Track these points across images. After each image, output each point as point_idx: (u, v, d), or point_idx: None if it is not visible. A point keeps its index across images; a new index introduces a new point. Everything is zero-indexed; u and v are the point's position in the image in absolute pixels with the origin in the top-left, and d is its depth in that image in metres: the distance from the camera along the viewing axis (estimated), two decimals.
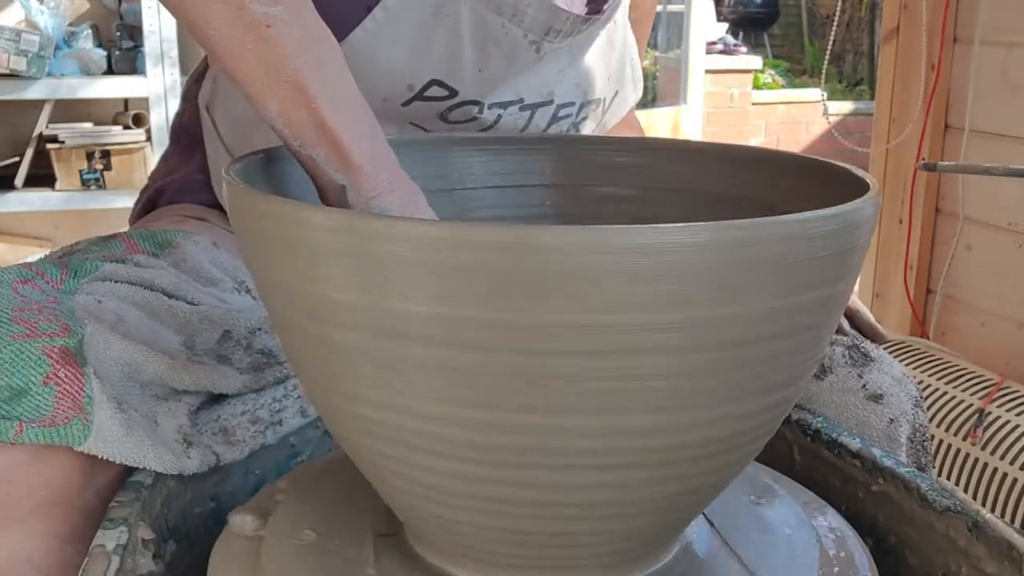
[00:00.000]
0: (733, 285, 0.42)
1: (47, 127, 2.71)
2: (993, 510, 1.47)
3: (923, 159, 1.87)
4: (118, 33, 2.77)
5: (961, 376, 1.70)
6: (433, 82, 0.80)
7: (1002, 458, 1.55)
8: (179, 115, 0.99)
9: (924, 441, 0.77)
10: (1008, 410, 1.60)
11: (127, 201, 2.46)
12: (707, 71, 4.50)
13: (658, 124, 3.42)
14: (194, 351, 0.69)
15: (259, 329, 0.73)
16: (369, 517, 0.59)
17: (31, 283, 0.67)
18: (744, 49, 5.95)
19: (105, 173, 2.72)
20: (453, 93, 0.81)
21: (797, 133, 5.52)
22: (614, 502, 0.48)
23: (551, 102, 0.87)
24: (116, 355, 0.63)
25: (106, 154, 2.72)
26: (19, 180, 2.67)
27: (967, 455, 1.60)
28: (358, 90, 0.63)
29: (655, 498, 0.49)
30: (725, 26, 6.25)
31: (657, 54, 4.96)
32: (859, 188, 0.52)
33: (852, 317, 0.89)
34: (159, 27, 2.65)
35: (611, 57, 0.93)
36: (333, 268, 0.45)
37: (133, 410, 0.62)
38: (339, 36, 0.68)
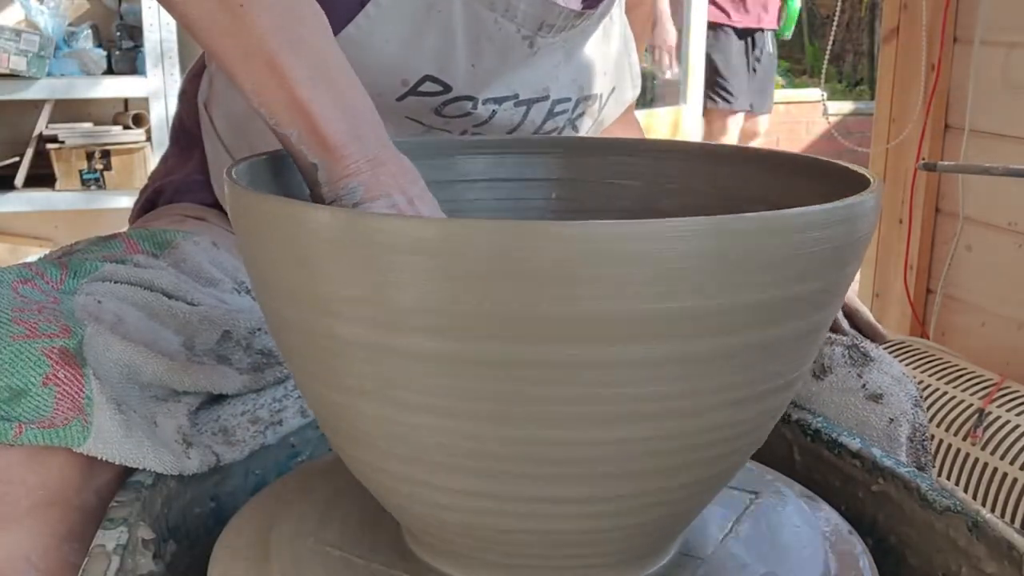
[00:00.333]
0: (734, 280, 0.42)
1: (47, 127, 2.71)
2: (993, 510, 1.47)
3: (923, 159, 1.87)
4: (118, 33, 2.77)
5: (961, 376, 1.70)
6: (427, 77, 0.80)
7: (1002, 458, 1.55)
8: (177, 115, 0.99)
9: (924, 441, 0.77)
10: (1008, 410, 1.59)
11: (127, 201, 2.46)
12: None
13: (658, 124, 3.41)
14: (194, 351, 0.69)
15: (259, 329, 0.73)
16: (370, 520, 0.59)
17: (31, 283, 0.67)
18: None
19: (105, 173, 2.72)
20: (447, 88, 0.81)
21: (797, 133, 5.52)
22: (614, 502, 0.48)
23: (547, 98, 0.87)
24: (116, 356, 0.63)
25: (106, 154, 2.72)
26: (19, 180, 2.67)
27: (967, 455, 1.60)
28: (347, 68, 0.62)
29: (655, 497, 0.49)
30: None
31: None
32: (859, 185, 0.52)
33: (852, 317, 0.89)
34: (159, 27, 2.65)
35: (608, 53, 0.93)
36: (332, 268, 0.44)
37: (132, 411, 0.62)
38: (332, 32, 0.68)
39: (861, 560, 0.56)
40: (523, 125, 0.87)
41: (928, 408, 1.66)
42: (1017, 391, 1.63)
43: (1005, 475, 1.54)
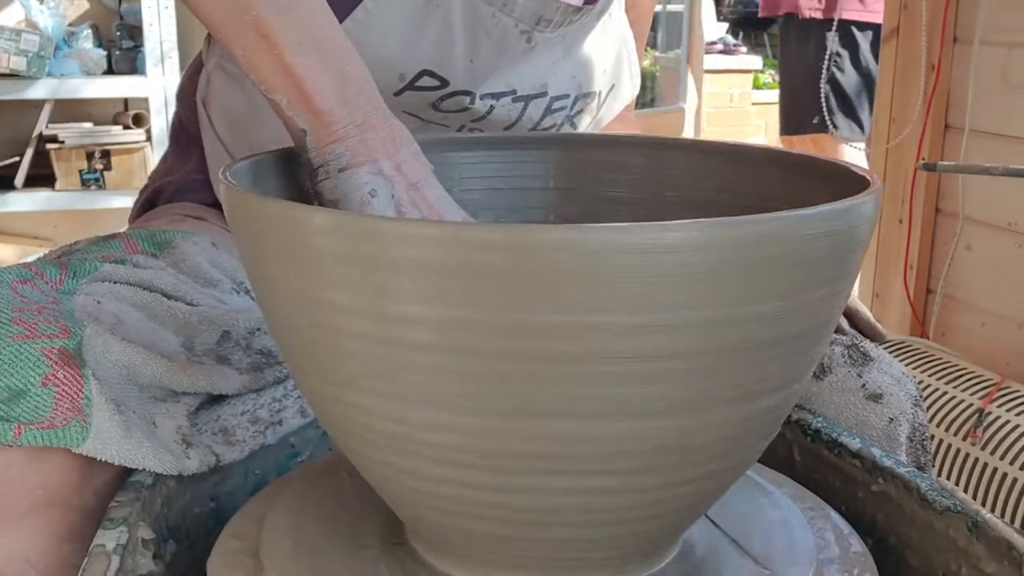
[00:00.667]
0: (735, 282, 0.42)
1: (47, 127, 2.71)
2: (993, 510, 1.47)
3: (923, 159, 1.87)
4: (118, 33, 2.77)
5: (961, 376, 1.70)
6: (424, 72, 0.80)
7: (1002, 458, 1.54)
8: (176, 114, 0.99)
9: (924, 440, 0.77)
10: (1008, 410, 1.59)
11: (127, 201, 2.46)
12: (707, 71, 4.50)
13: (658, 124, 3.42)
14: (193, 352, 0.69)
15: (258, 329, 0.73)
16: (370, 519, 0.59)
17: (30, 283, 0.67)
18: (744, 49, 5.94)
19: (105, 173, 2.73)
20: (444, 83, 0.81)
21: None
22: (616, 505, 0.48)
23: (545, 94, 0.87)
24: (115, 357, 0.63)
25: (106, 154, 2.72)
26: (19, 180, 2.68)
27: (967, 455, 1.59)
28: (338, 33, 0.62)
29: (658, 500, 0.49)
30: (725, 26, 6.25)
31: (657, 54, 4.95)
32: (860, 186, 0.52)
33: (852, 316, 0.89)
34: (159, 27, 2.65)
35: (607, 50, 0.93)
36: (330, 269, 0.44)
37: (131, 412, 0.62)
38: None
39: (861, 560, 0.56)
40: (521, 121, 0.87)
41: (928, 408, 1.66)
42: (1017, 391, 1.63)
43: (1005, 475, 1.54)
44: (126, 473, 0.61)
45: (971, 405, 1.63)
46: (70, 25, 2.75)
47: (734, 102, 5.49)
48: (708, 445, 0.47)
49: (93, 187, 2.72)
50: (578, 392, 0.43)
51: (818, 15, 2.82)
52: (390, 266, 0.43)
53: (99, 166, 2.71)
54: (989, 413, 1.60)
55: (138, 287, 0.71)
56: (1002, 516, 1.29)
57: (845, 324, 0.87)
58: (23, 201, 2.69)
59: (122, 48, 2.74)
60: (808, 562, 0.55)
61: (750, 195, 0.65)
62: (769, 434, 0.51)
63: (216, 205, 0.90)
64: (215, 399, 0.69)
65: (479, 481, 0.47)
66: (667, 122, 3.48)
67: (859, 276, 0.52)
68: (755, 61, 5.74)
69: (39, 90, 2.61)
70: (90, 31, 2.72)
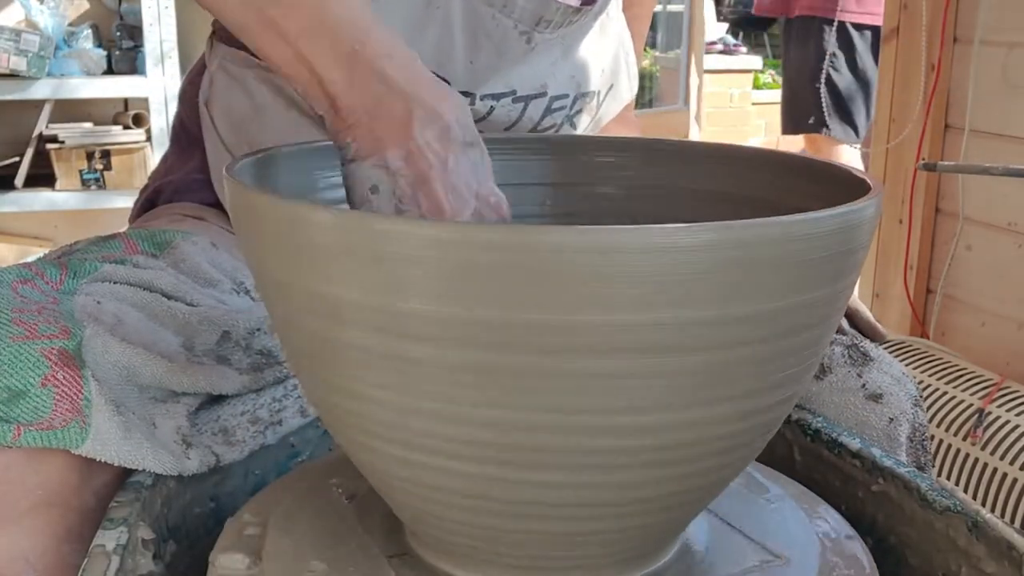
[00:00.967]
0: (735, 285, 0.42)
1: (47, 127, 2.71)
2: (993, 510, 1.47)
3: (923, 159, 1.87)
4: (118, 33, 2.77)
5: (961, 376, 1.70)
6: None
7: (1002, 458, 1.54)
8: (177, 115, 0.99)
9: (924, 440, 0.77)
10: (1008, 410, 1.59)
11: (127, 201, 2.45)
12: (707, 71, 4.50)
13: (658, 124, 3.42)
14: (193, 352, 0.70)
15: (258, 330, 0.73)
16: (370, 519, 0.59)
17: (30, 283, 0.67)
18: (744, 49, 5.94)
19: (105, 173, 2.73)
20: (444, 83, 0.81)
21: None
22: (619, 501, 0.48)
23: (544, 95, 0.87)
24: (115, 358, 0.63)
25: (106, 154, 2.72)
26: (19, 180, 2.67)
27: (967, 455, 1.59)
28: (349, 8, 0.61)
29: (659, 497, 0.49)
30: (725, 26, 6.24)
31: (657, 54, 4.96)
32: (860, 188, 0.52)
33: (851, 316, 0.89)
34: (159, 27, 2.65)
35: (605, 50, 0.93)
36: (336, 268, 0.44)
37: (131, 412, 0.62)
38: None
39: (861, 560, 0.56)
40: (521, 121, 0.87)
41: (928, 408, 1.66)
42: (1017, 391, 1.63)
43: (1005, 475, 1.53)
44: (126, 473, 0.61)
45: (971, 405, 1.63)
46: (70, 25, 2.74)
47: (734, 102, 5.49)
48: (707, 444, 0.47)
49: (93, 187, 2.72)
50: (578, 390, 0.43)
51: (818, 14, 2.81)
52: (391, 265, 0.43)
53: (99, 166, 2.71)
54: (989, 413, 1.60)
55: (138, 287, 0.71)
56: (1002, 516, 1.29)
57: (845, 324, 0.87)
58: (23, 201, 2.69)
59: (122, 48, 2.74)
60: (813, 554, 0.55)
61: (748, 196, 0.65)
62: (767, 434, 0.51)
63: (216, 205, 0.90)
64: (215, 399, 0.69)
65: (480, 479, 0.47)
66: (667, 122, 3.48)
67: (859, 276, 0.52)
68: (755, 61, 5.73)
69: (39, 90, 2.61)
70: (90, 31, 2.72)
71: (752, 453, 0.52)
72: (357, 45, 0.60)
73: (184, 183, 0.93)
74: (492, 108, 0.84)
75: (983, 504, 1.32)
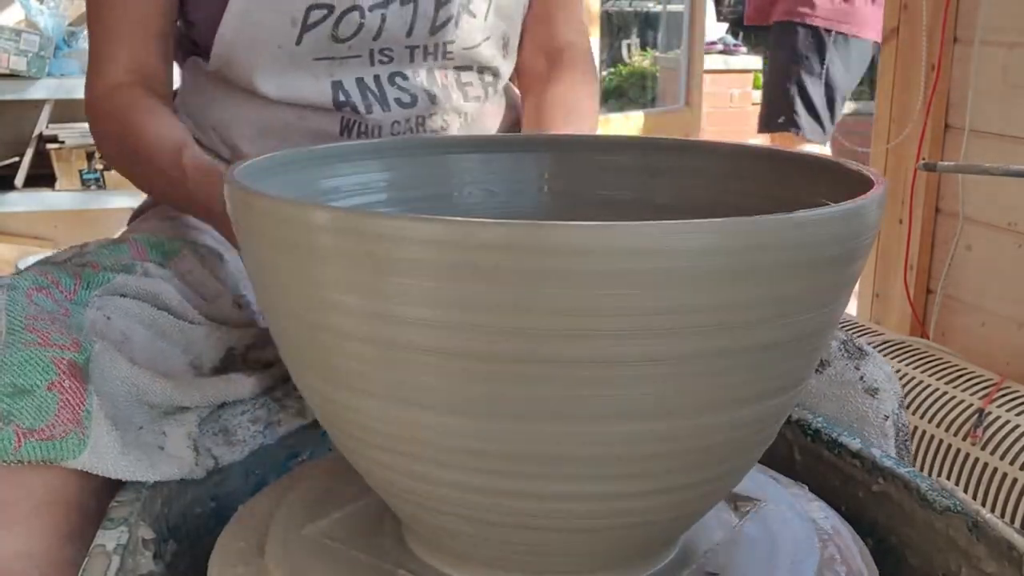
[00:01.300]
0: (733, 284, 0.42)
1: (47, 127, 2.71)
2: (993, 510, 1.47)
3: (923, 159, 1.87)
4: None
5: (961, 376, 1.70)
6: (311, 7, 0.82)
7: (1002, 458, 1.54)
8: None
9: (906, 440, 0.78)
10: (1008, 410, 1.59)
11: (127, 201, 2.46)
12: (707, 71, 4.49)
13: (658, 124, 3.41)
14: (201, 371, 0.72)
15: (255, 344, 0.76)
16: (369, 519, 0.59)
17: (45, 291, 0.68)
18: (744, 49, 5.93)
19: (105, 173, 2.72)
20: (331, 8, 0.83)
21: None
22: (614, 507, 0.48)
23: None
24: (123, 374, 0.65)
25: None
26: (19, 180, 2.67)
27: (967, 455, 1.59)
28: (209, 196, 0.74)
29: (660, 501, 0.49)
30: (725, 26, 6.24)
31: (657, 54, 4.95)
32: (861, 184, 0.51)
33: None
34: None
35: None
36: (331, 268, 0.44)
37: (139, 427, 0.63)
38: (219, 8, 0.79)
39: (861, 560, 0.56)
40: (416, 25, 0.86)
41: (928, 408, 1.66)
42: (1017, 391, 1.63)
43: (1005, 475, 1.53)
44: None
45: (971, 405, 1.63)
46: (70, 25, 2.74)
47: (734, 102, 5.48)
48: (711, 446, 0.47)
49: (93, 187, 2.72)
50: (577, 393, 0.43)
51: (794, 19, 2.94)
52: (390, 265, 0.43)
53: (99, 166, 2.71)
54: (989, 413, 1.60)
55: (147, 303, 0.73)
56: (1002, 516, 1.29)
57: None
58: (23, 201, 2.68)
59: None
60: (813, 554, 0.55)
61: (747, 196, 0.64)
62: (767, 438, 0.51)
63: None
64: (221, 404, 0.70)
65: (477, 481, 0.47)
66: (668, 122, 3.47)
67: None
68: (755, 61, 5.72)
69: (39, 90, 2.60)
70: None
71: (753, 457, 0.52)
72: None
73: None
74: (384, 16, 0.85)
75: (983, 504, 1.32)
